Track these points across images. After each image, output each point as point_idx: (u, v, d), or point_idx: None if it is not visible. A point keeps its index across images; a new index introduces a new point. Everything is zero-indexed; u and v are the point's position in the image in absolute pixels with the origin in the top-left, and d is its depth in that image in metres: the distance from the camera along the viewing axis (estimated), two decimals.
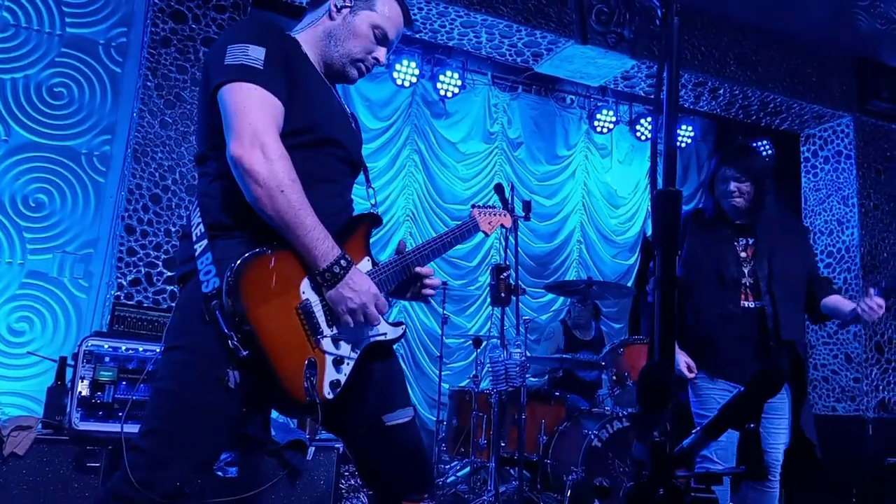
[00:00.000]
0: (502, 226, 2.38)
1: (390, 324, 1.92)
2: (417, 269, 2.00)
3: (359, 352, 1.83)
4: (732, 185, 3.04)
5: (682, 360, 3.07)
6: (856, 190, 6.29)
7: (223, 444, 1.80)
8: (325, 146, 1.86)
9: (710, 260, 3.09)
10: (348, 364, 1.80)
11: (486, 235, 2.33)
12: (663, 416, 0.99)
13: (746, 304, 3.04)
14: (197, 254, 1.73)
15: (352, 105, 6.27)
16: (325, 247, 1.72)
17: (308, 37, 1.97)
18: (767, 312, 3.00)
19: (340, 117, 1.95)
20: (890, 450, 5.52)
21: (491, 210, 2.33)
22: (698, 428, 1.06)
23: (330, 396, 1.75)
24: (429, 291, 2.06)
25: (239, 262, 1.64)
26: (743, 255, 3.11)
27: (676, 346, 3.11)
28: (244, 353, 1.61)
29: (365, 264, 1.90)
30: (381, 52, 2.00)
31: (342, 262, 1.74)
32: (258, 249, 1.68)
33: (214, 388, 1.64)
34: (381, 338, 1.89)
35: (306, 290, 1.75)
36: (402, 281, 1.99)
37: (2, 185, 4.17)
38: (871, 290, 2.91)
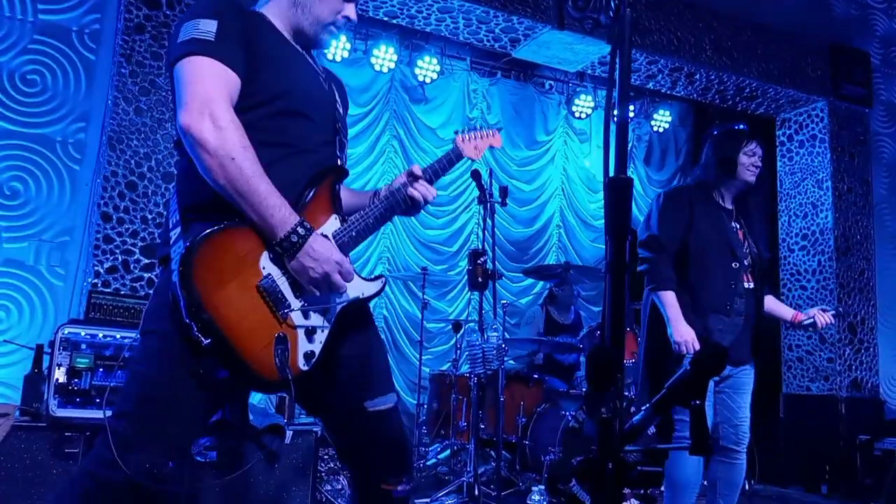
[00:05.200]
0: (492, 147, 2.27)
1: (366, 279, 1.87)
2: (410, 190, 1.96)
3: (332, 319, 1.79)
4: (758, 160, 3.19)
5: (691, 339, 3.01)
6: (830, 173, 6.37)
7: (196, 431, 1.79)
8: (295, 116, 1.81)
9: (721, 235, 3.14)
10: (322, 332, 1.76)
11: (473, 160, 2.23)
12: (610, 394, 1.04)
13: (747, 284, 3.15)
14: (172, 240, 1.70)
15: None
16: (281, 215, 1.66)
17: (274, 9, 1.91)
18: (759, 295, 3.16)
19: (313, 84, 1.89)
20: (862, 428, 5.64)
21: (476, 133, 2.22)
22: (647, 406, 1.11)
23: (305, 368, 1.72)
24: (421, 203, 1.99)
25: (188, 246, 1.59)
26: (739, 236, 3.22)
27: (685, 326, 3.07)
28: (206, 341, 1.56)
29: (332, 223, 1.83)
30: (350, 9, 1.93)
31: (300, 229, 1.67)
32: (208, 231, 1.62)
33: (186, 376, 1.63)
34: (356, 300, 1.83)
35: (266, 265, 1.69)
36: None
37: None
38: (830, 311, 3.28)
